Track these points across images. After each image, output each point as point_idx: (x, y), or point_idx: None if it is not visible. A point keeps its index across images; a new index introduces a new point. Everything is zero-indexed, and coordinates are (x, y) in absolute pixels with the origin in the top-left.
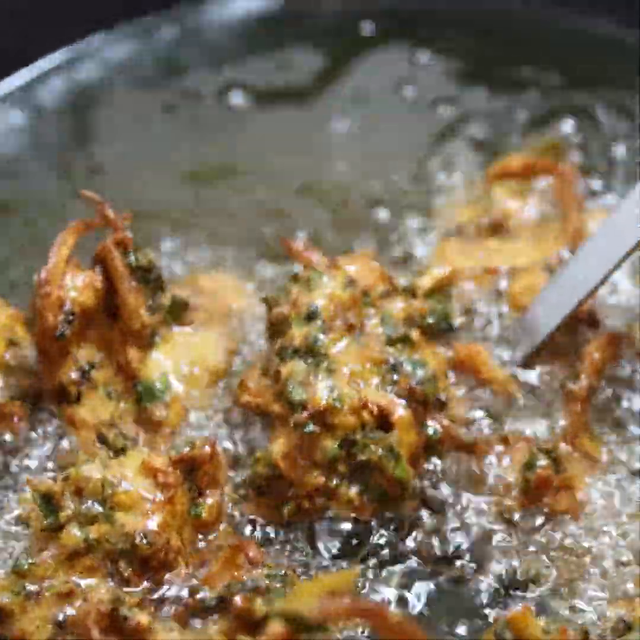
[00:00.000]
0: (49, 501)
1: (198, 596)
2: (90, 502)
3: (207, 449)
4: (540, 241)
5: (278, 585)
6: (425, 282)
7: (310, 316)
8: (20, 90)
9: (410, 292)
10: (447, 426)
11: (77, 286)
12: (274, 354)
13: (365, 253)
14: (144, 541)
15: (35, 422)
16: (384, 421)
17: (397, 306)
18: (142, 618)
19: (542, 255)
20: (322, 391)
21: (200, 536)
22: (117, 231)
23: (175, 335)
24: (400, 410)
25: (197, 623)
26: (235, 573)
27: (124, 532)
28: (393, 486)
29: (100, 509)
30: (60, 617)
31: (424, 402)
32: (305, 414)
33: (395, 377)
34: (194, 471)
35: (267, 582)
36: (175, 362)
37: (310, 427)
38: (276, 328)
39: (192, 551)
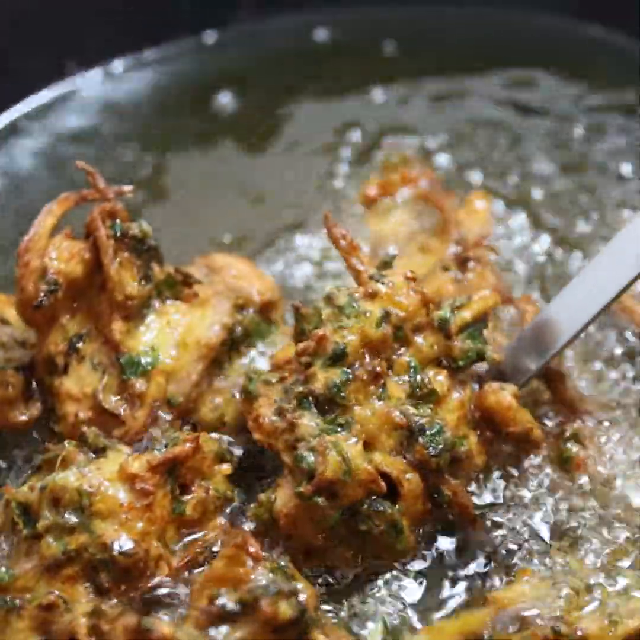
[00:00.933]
0: (27, 511)
1: (219, 602)
2: (67, 512)
3: (189, 446)
4: (426, 249)
5: (285, 581)
6: (466, 314)
7: (336, 357)
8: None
9: (444, 330)
10: (457, 493)
11: (63, 256)
12: (293, 396)
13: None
14: (123, 551)
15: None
16: (391, 487)
17: (429, 345)
18: (165, 629)
19: (436, 258)
20: (332, 463)
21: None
22: (106, 201)
23: (170, 309)
24: (410, 482)
25: (218, 630)
26: (241, 570)
27: (101, 542)
28: (390, 553)
29: (77, 519)
30: (45, 630)
31: (437, 470)
32: (310, 487)
33: (411, 444)
34: (175, 468)
35: (290, 585)
36: (166, 336)
37: (315, 500)
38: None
39: (180, 550)
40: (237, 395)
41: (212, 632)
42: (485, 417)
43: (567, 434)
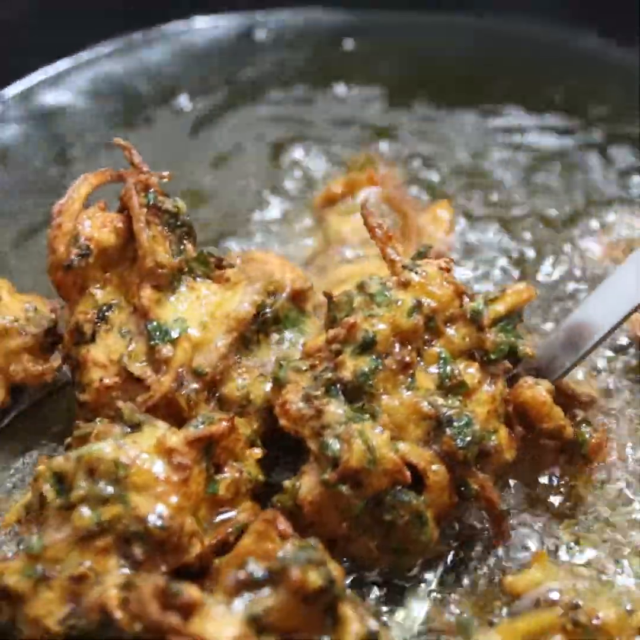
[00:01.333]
0: (61, 480)
1: (247, 569)
2: (102, 482)
3: (225, 424)
4: None
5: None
6: (499, 307)
7: (366, 346)
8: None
9: (477, 322)
10: (484, 487)
11: (96, 224)
12: (321, 383)
13: (446, 261)
14: (157, 525)
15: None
16: (417, 478)
17: (461, 337)
18: (194, 593)
19: None
20: (357, 451)
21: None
22: (139, 172)
23: (201, 286)
24: (436, 474)
25: (247, 598)
26: (269, 545)
27: (136, 515)
28: (414, 545)
29: (112, 490)
30: (74, 601)
31: (465, 463)
32: (335, 475)
33: (439, 435)
34: (211, 447)
35: (320, 555)
36: (195, 309)
37: (339, 488)
38: (332, 326)
39: (210, 529)
40: (265, 377)
41: (240, 600)
42: (518, 412)
43: (578, 418)
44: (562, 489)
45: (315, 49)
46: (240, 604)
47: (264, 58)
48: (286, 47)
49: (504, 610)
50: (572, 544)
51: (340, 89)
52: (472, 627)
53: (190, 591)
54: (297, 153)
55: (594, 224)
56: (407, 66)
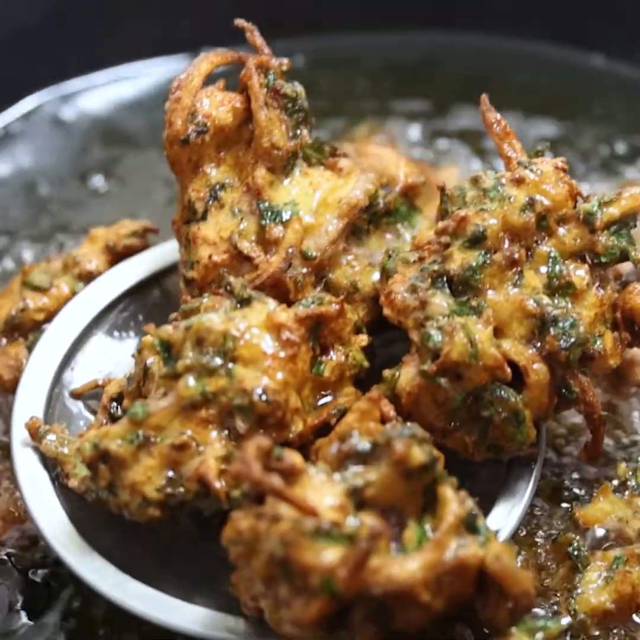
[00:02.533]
0: (168, 349)
1: (351, 442)
2: (210, 353)
3: (335, 306)
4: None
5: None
6: (614, 211)
7: (475, 240)
8: None
9: (589, 224)
10: (586, 390)
11: (215, 102)
12: (427, 275)
13: (563, 161)
14: (262, 398)
15: None
16: (518, 376)
17: (572, 237)
18: (297, 459)
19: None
20: (459, 344)
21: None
22: (261, 54)
23: (315, 173)
24: (537, 373)
25: (350, 469)
26: (372, 425)
27: (242, 388)
28: (510, 443)
29: (219, 361)
30: (174, 470)
31: (567, 364)
32: (434, 366)
33: (543, 334)
34: (319, 328)
35: (424, 433)
36: (308, 194)
37: (438, 380)
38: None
39: (311, 411)
40: (373, 267)
41: (342, 472)
42: (625, 319)
43: None
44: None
45: None
46: (341, 476)
47: None
48: None
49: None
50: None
51: None
52: None
53: (293, 456)
54: None
55: None
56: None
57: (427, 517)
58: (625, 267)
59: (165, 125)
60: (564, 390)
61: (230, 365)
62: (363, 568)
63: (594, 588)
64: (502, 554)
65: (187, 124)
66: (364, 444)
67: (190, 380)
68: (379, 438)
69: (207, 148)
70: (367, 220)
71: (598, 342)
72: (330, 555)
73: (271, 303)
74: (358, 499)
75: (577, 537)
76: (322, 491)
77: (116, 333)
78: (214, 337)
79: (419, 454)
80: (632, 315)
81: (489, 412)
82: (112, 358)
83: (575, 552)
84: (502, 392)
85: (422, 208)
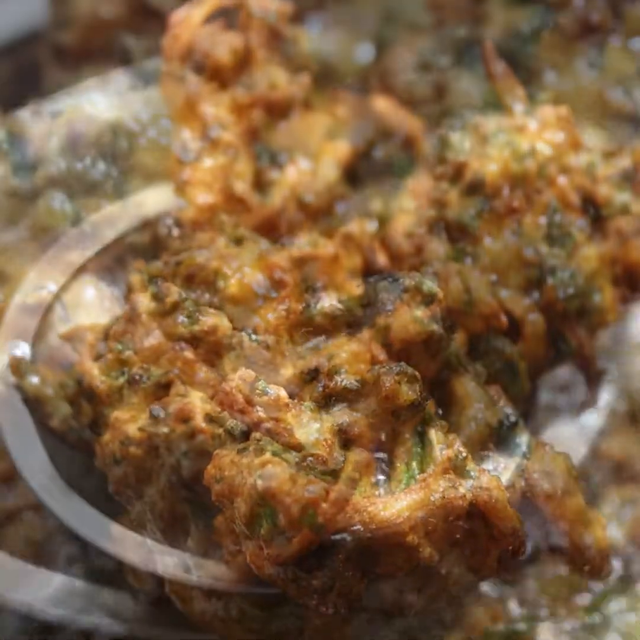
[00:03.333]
0: (158, 286)
1: (338, 378)
2: (200, 291)
3: (331, 249)
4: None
5: None
6: (616, 162)
7: (474, 186)
8: None
9: (591, 175)
10: (582, 344)
11: (215, 41)
12: (424, 221)
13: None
14: (252, 338)
15: None
16: (514, 327)
17: (573, 188)
18: (281, 392)
19: None
20: (454, 290)
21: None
22: None
23: (314, 118)
24: (534, 324)
25: (336, 408)
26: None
27: (231, 327)
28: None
29: (209, 299)
30: (158, 408)
31: (564, 315)
32: (428, 311)
33: (540, 284)
34: (313, 271)
35: (414, 371)
36: (305, 139)
37: (431, 326)
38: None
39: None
40: (370, 216)
41: (329, 410)
42: (626, 273)
43: None
44: None
45: None
46: (328, 413)
47: None
48: None
49: None
50: None
51: None
52: None
53: (278, 390)
54: None
55: None
56: None
57: (415, 459)
58: (628, 225)
59: (162, 59)
60: (559, 343)
61: (220, 303)
62: (347, 503)
63: None
64: (492, 487)
65: (184, 62)
66: (351, 381)
67: (180, 318)
68: (367, 376)
69: (203, 87)
70: (365, 170)
71: (597, 296)
72: (313, 487)
73: (264, 243)
74: (344, 437)
75: None
76: (308, 427)
77: (108, 276)
78: (205, 274)
79: (407, 392)
80: (632, 270)
81: (483, 363)
82: (102, 303)
83: None
84: (497, 342)
85: (422, 161)
